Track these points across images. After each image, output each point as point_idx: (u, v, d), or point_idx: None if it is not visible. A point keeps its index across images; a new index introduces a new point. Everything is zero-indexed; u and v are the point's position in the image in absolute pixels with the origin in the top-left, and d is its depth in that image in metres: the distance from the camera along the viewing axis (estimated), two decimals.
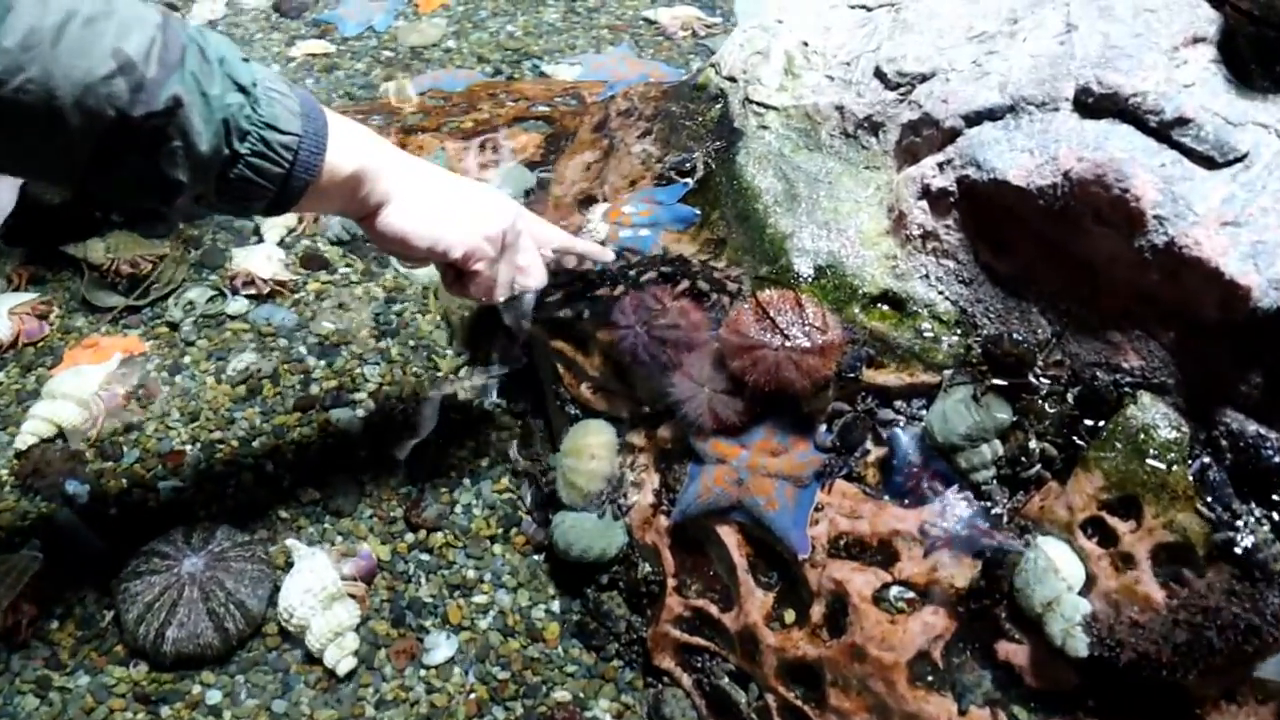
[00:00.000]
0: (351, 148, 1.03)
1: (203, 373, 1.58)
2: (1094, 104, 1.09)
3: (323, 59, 2.29)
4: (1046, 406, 1.16)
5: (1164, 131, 1.04)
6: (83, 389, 1.49)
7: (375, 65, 2.26)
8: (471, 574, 1.36)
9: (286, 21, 2.46)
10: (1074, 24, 1.17)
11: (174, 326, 1.64)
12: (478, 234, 1.15)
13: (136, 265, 1.70)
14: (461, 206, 1.15)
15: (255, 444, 1.49)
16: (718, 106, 1.59)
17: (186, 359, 1.60)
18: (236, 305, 1.68)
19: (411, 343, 1.63)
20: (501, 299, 1.23)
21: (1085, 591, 1.07)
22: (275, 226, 1.79)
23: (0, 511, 1.40)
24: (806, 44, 1.53)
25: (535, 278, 1.27)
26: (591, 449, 1.33)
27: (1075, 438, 1.14)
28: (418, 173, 1.13)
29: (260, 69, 0.96)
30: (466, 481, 1.46)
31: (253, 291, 1.69)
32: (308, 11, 2.49)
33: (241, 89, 0.92)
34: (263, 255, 1.73)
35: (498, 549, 1.39)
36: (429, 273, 1.72)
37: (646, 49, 2.34)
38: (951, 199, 1.20)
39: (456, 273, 1.19)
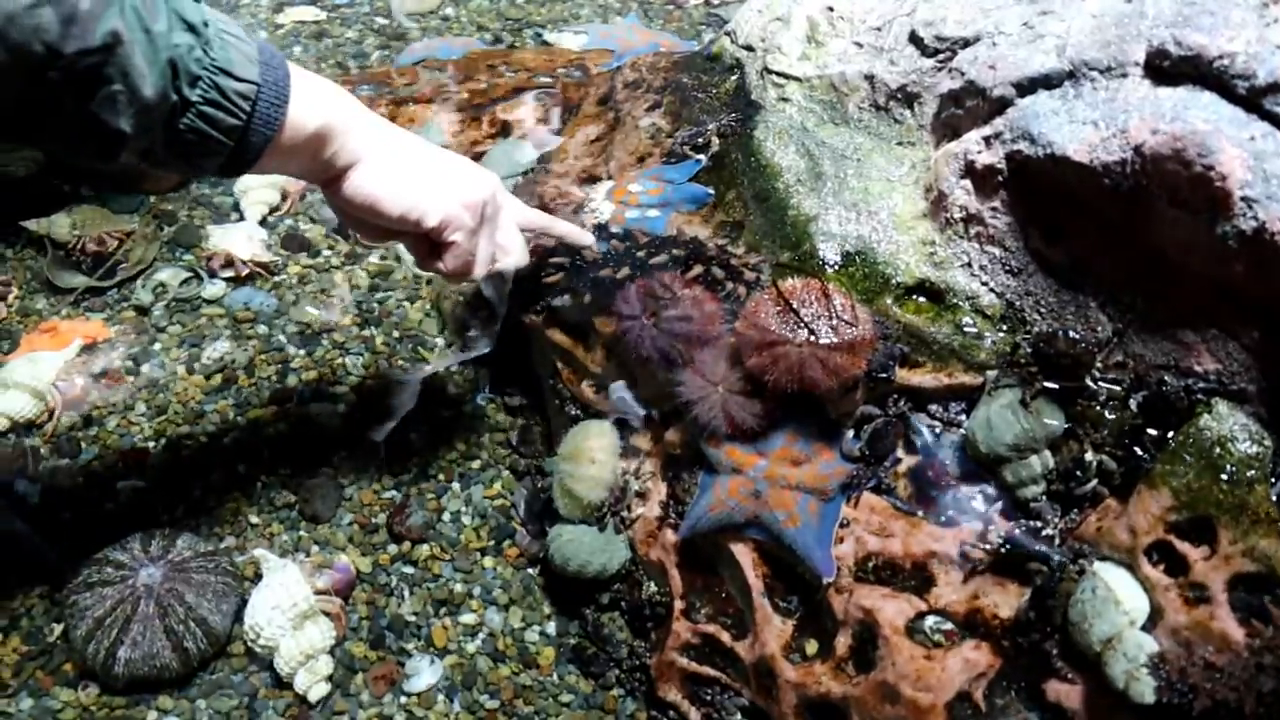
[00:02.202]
0: (317, 101, 0.91)
1: (173, 361, 1.45)
2: (1170, 68, 0.95)
3: (312, 26, 2.16)
4: (1105, 414, 1.03)
5: (1254, 100, 0.90)
6: (38, 378, 1.37)
7: (368, 33, 2.13)
8: (459, 589, 1.23)
9: None
10: None
11: (142, 310, 1.52)
12: (455, 201, 1.03)
13: (103, 243, 1.57)
14: (438, 171, 1.03)
15: (226, 440, 1.36)
16: (733, 78, 1.46)
17: (156, 346, 1.47)
18: (212, 289, 1.55)
19: (397, 333, 1.50)
20: (480, 275, 1.10)
21: (1150, 627, 0.94)
22: (257, 204, 1.66)
23: None
24: (831, 9, 1.39)
25: (516, 255, 1.15)
26: (592, 452, 1.20)
27: (1138, 450, 1.00)
28: (389, 133, 1.01)
29: (212, 10, 0.84)
30: (456, 486, 1.33)
31: (230, 274, 1.56)
32: None
33: (191, 28, 0.81)
34: (242, 235, 1.60)
35: (488, 562, 1.27)
36: None
37: (656, 18, 2.20)
38: (999, 178, 1.06)
39: (430, 245, 1.07)
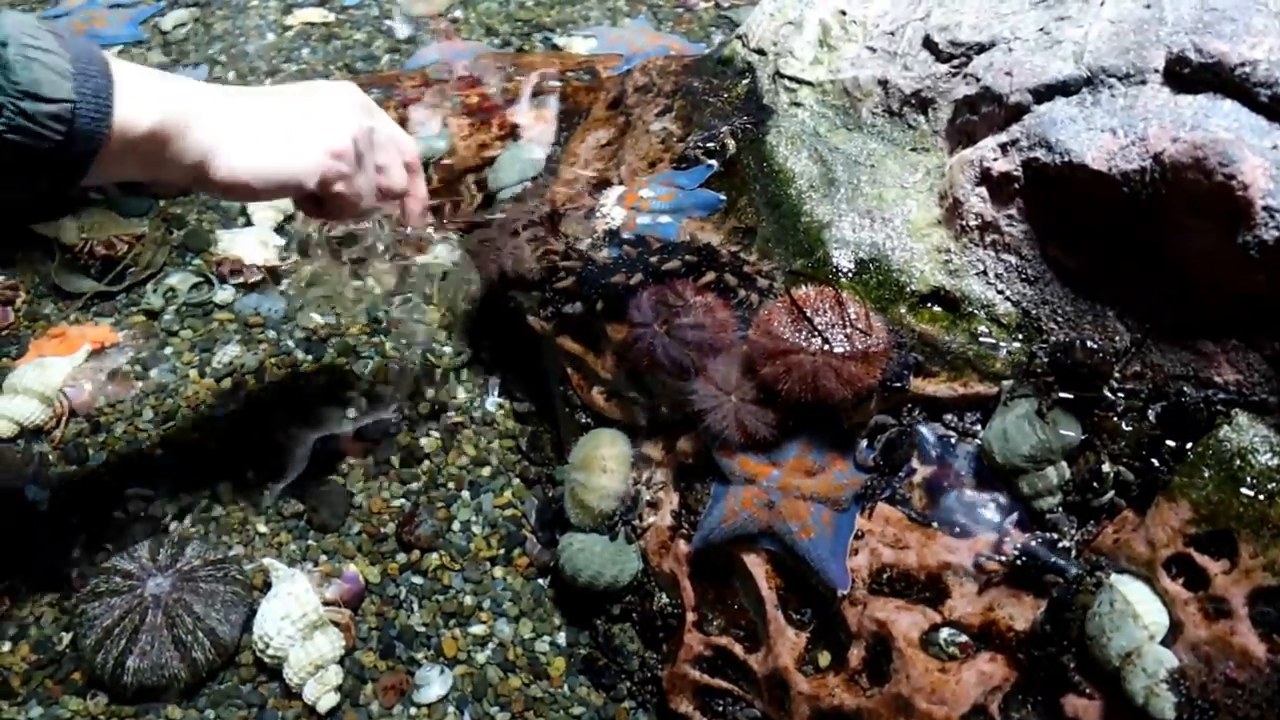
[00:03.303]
0: (148, 102, 0.87)
1: (184, 366, 1.44)
2: (1190, 76, 0.94)
3: (321, 28, 2.15)
4: (1123, 425, 1.01)
5: (1277, 108, 0.89)
6: (46, 383, 1.36)
7: (377, 35, 2.12)
8: (469, 600, 1.22)
9: None
10: None
11: (151, 315, 1.51)
12: (326, 154, 1.00)
13: (112, 247, 1.57)
14: (299, 128, 0.99)
15: (235, 447, 1.35)
16: (745, 82, 1.45)
17: (165, 351, 1.46)
18: (222, 294, 1.54)
19: (406, 340, 1.49)
20: (370, 207, 1.09)
21: (1170, 641, 0.92)
22: (265, 208, 1.65)
23: None
24: (844, 13, 1.38)
25: (398, 178, 1.12)
26: (603, 461, 1.19)
27: (1156, 461, 0.99)
28: (236, 107, 0.96)
29: (17, 20, 0.80)
30: (465, 494, 1.32)
31: (240, 279, 1.55)
32: None
33: None
34: (252, 239, 1.60)
35: (498, 572, 1.25)
36: (426, 262, 1.59)
37: (665, 21, 2.19)
38: (1016, 185, 1.05)
39: (314, 198, 1.04)
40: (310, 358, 1.46)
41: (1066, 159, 0.98)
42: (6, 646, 1.16)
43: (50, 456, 1.33)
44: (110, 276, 1.54)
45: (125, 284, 1.54)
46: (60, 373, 1.38)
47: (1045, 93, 1.03)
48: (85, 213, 1.62)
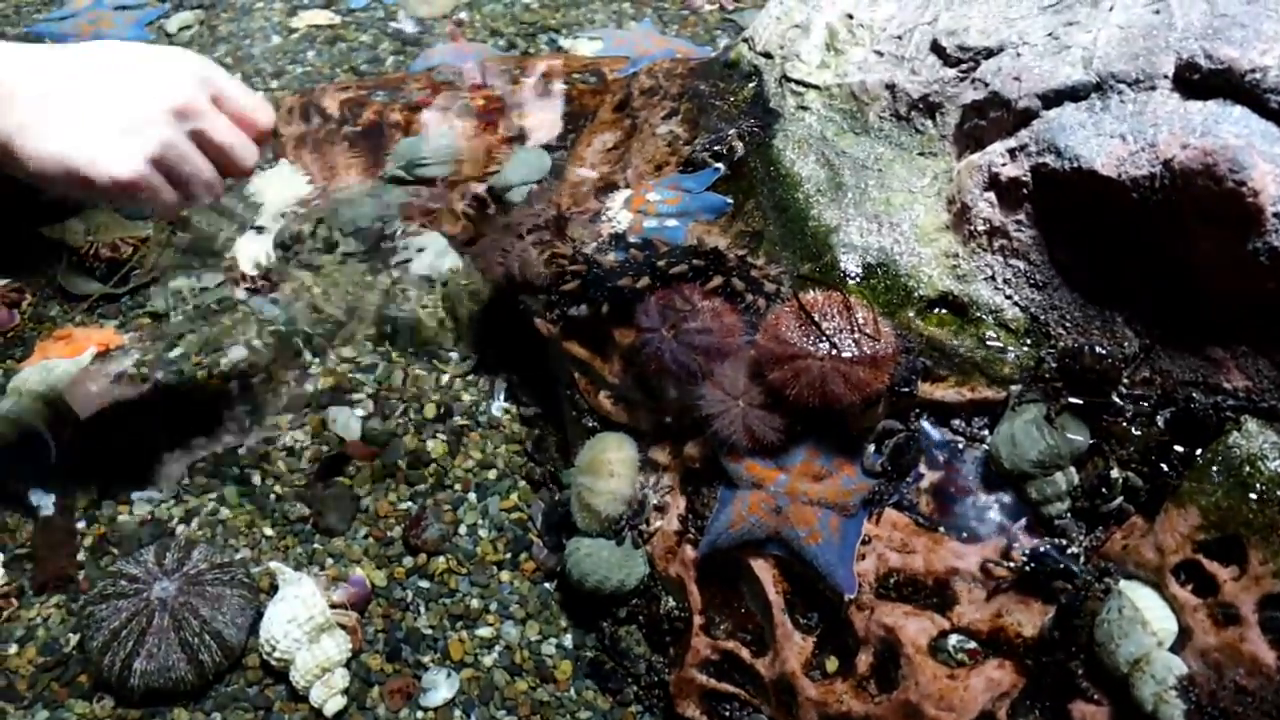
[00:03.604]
0: None
1: (192, 367, 1.44)
2: (1200, 81, 0.93)
3: (326, 30, 2.15)
4: (1132, 430, 1.01)
5: None
6: (51, 386, 1.36)
7: (382, 38, 2.12)
8: (476, 604, 1.22)
9: None
10: None
11: (157, 317, 1.51)
12: (143, 158, 0.93)
13: (117, 249, 1.57)
14: (122, 111, 0.92)
15: (241, 450, 1.35)
16: (751, 85, 1.45)
17: (171, 354, 1.46)
18: (228, 296, 1.54)
19: (412, 346, 1.49)
20: (207, 200, 1.02)
21: (1179, 648, 0.92)
22: (272, 211, 1.65)
23: None
24: (851, 16, 1.38)
25: (239, 157, 1.03)
26: (610, 465, 1.19)
27: (1165, 467, 0.99)
28: (43, 86, 0.89)
29: None
30: (472, 497, 1.32)
31: (248, 284, 1.55)
32: None
33: None
34: (258, 241, 1.60)
35: (505, 575, 1.25)
36: (433, 265, 1.59)
37: (670, 24, 2.19)
38: (1024, 190, 1.05)
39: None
40: (317, 361, 1.46)
41: (1076, 165, 0.98)
42: (13, 649, 1.17)
43: (55, 458, 1.33)
44: (115, 279, 1.54)
45: (130, 286, 1.54)
46: (66, 375, 1.38)
47: (1054, 98, 1.03)
48: (91, 215, 1.62)
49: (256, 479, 1.33)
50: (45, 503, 1.28)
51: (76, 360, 1.41)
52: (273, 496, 1.31)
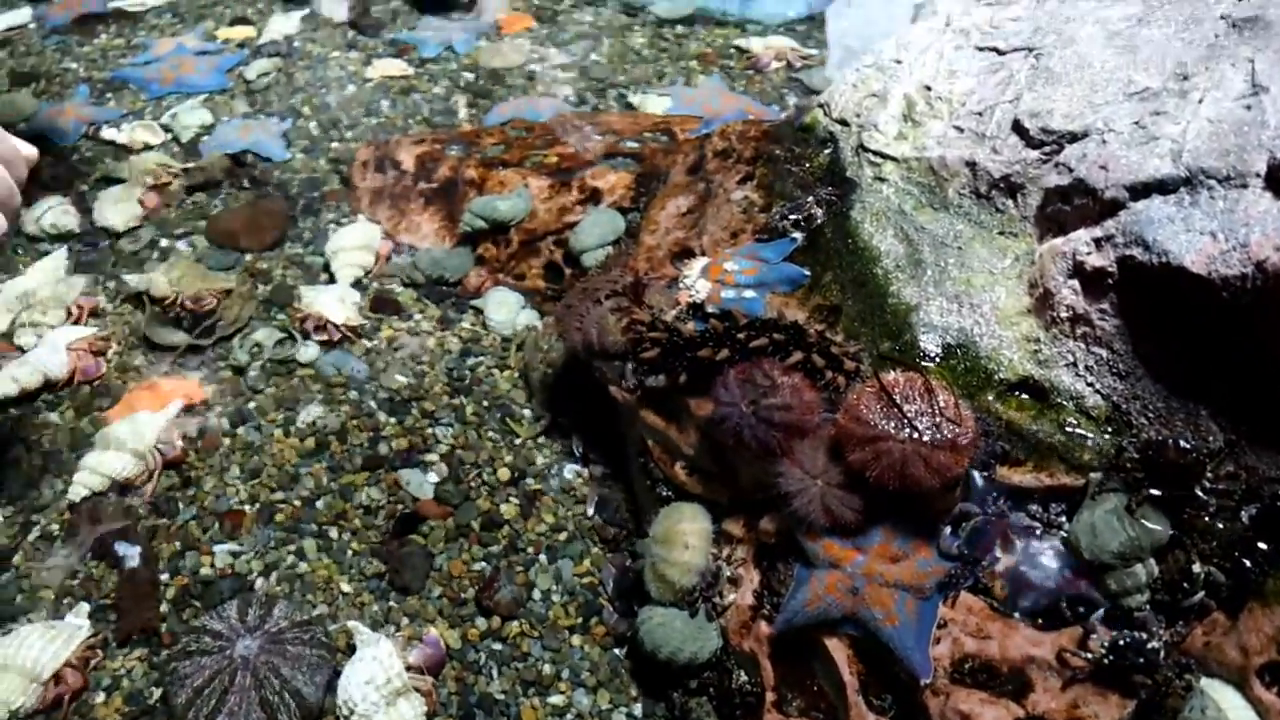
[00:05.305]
0: None
1: (270, 423, 1.48)
2: None
3: (400, 81, 2.20)
4: (1215, 524, 1.01)
5: None
6: (139, 439, 1.40)
7: (454, 90, 2.16)
8: (548, 669, 1.24)
9: (364, 39, 2.38)
10: (1262, 85, 1.02)
11: (239, 370, 1.55)
12: None
13: (200, 300, 1.61)
14: None
15: (319, 505, 1.38)
16: (826, 151, 1.46)
17: (252, 407, 1.50)
18: (306, 352, 1.57)
19: (486, 401, 1.51)
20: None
21: None
22: (348, 266, 1.69)
23: (50, 569, 1.31)
24: (929, 88, 1.39)
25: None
26: (685, 537, 1.20)
27: (1249, 563, 0.98)
28: None
29: None
30: (543, 559, 1.34)
31: (323, 337, 1.59)
32: (386, 29, 2.41)
33: None
34: (334, 297, 1.63)
35: (576, 640, 1.27)
36: (510, 320, 1.62)
37: (737, 81, 2.21)
38: (1109, 280, 1.05)
39: None
40: (393, 419, 1.48)
41: (1164, 260, 0.98)
42: (100, 697, 1.20)
43: (141, 510, 1.36)
44: (199, 330, 1.58)
45: (214, 338, 1.58)
46: (153, 428, 1.42)
47: (1142, 190, 1.04)
48: (175, 265, 1.66)
49: (334, 533, 1.35)
50: (131, 554, 1.32)
51: (163, 412, 1.45)
52: (350, 552, 1.33)
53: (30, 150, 1.15)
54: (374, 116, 2.10)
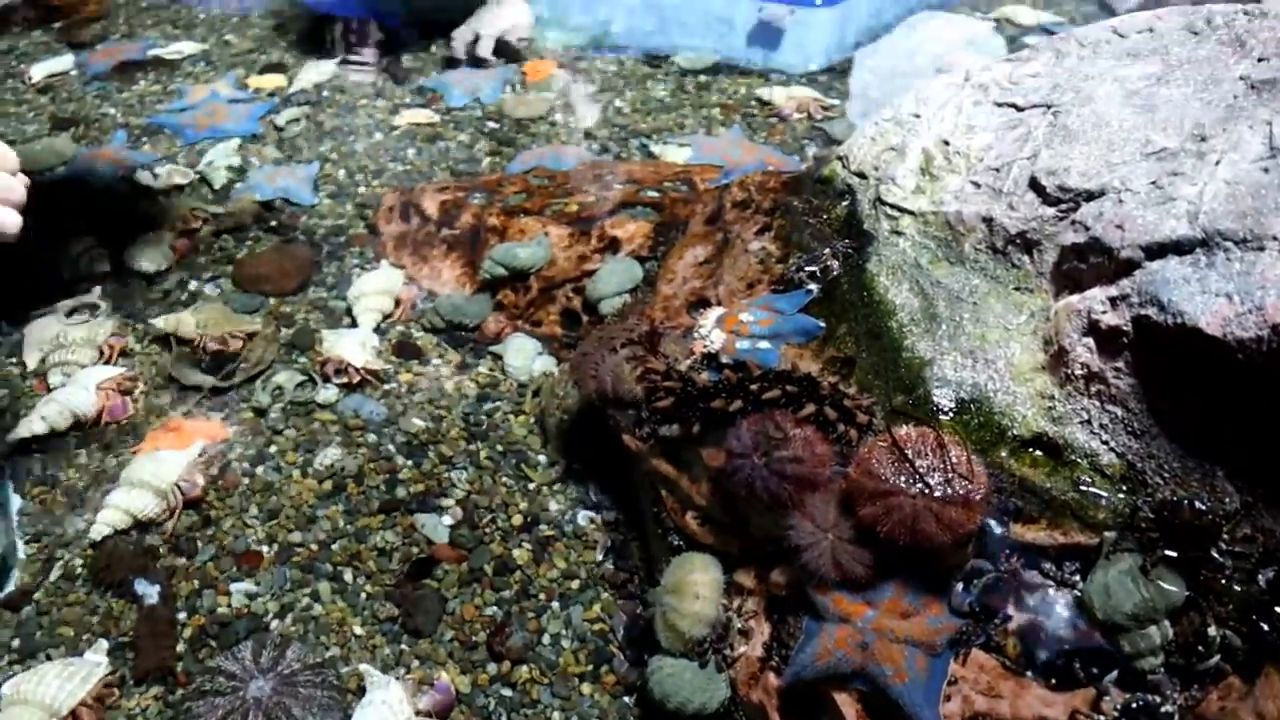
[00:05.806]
0: None
1: (289, 464, 1.49)
2: None
3: (426, 128, 2.24)
4: (1231, 586, 1.00)
5: None
6: (161, 478, 1.42)
7: (479, 137, 2.20)
8: (557, 717, 1.23)
9: (392, 87, 2.42)
10: None
11: (260, 412, 1.57)
12: None
13: (225, 343, 1.64)
14: None
15: (335, 547, 1.39)
16: (844, 204, 1.47)
17: (272, 449, 1.52)
18: (326, 394, 1.59)
19: (502, 446, 1.52)
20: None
21: None
22: (370, 311, 1.71)
23: (70, 605, 1.32)
24: (947, 143, 1.40)
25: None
26: (696, 587, 1.20)
27: (1266, 627, 0.97)
28: None
29: None
30: (555, 605, 1.34)
31: (343, 380, 1.61)
32: (415, 77, 2.45)
33: None
34: (355, 341, 1.66)
35: (586, 688, 1.26)
36: (527, 366, 1.63)
37: (759, 131, 2.24)
38: (1124, 339, 1.05)
39: None
40: (410, 463, 1.50)
41: (1179, 320, 0.98)
42: None
43: (161, 549, 1.38)
44: (223, 372, 1.61)
45: (238, 380, 1.60)
46: (175, 467, 1.44)
47: (1157, 250, 1.04)
48: (202, 307, 1.69)
49: (349, 576, 1.36)
50: (150, 591, 1.33)
51: (185, 452, 1.47)
52: (364, 595, 1.34)
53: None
54: (400, 163, 2.14)
